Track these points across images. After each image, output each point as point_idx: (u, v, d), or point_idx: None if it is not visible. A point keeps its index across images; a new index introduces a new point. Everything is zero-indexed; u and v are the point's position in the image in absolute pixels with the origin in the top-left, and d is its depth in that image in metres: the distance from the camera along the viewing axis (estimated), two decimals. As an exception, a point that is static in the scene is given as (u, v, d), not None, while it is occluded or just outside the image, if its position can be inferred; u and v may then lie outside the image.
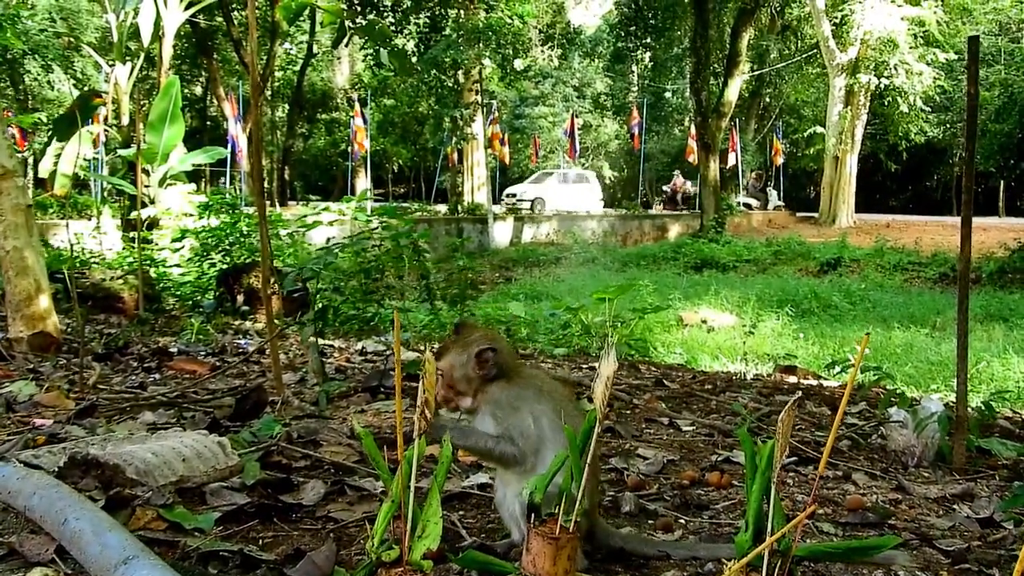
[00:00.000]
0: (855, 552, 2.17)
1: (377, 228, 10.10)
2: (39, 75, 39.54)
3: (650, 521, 3.10)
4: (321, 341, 6.47)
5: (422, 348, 8.22)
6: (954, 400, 4.41)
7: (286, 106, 48.79)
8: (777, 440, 1.99)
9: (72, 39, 38.05)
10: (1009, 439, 4.78)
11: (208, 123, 49.82)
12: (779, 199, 44.18)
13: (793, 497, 3.54)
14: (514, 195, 40.60)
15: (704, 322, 15.13)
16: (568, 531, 2.20)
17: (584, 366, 7.56)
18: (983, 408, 5.08)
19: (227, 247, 13.00)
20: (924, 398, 5.20)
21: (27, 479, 2.59)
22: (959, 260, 4.21)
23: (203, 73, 44.18)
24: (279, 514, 2.89)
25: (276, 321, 6.10)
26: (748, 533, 2.04)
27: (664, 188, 42.98)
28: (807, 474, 3.96)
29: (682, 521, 3.13)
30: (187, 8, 15.31)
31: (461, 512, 3.07)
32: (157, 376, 5.88)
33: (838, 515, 3.31)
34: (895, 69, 34.41)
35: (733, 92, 33.41)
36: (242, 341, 8.22)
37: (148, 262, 12.17)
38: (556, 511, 2.22)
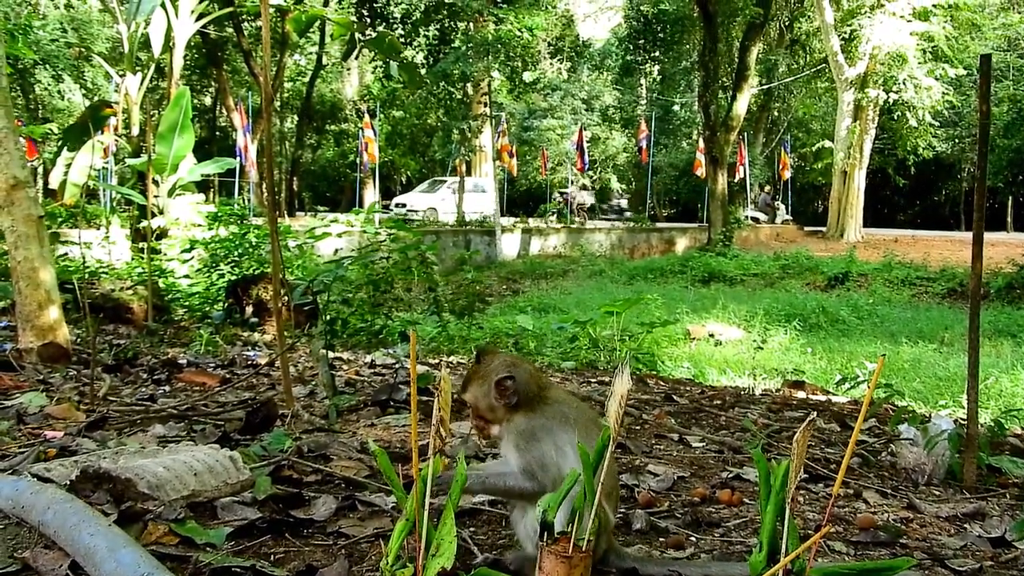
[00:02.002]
0: (870, 574, 2.17)
1: (385, 240, 10.14)
2: (50, 85, 39.70)
3: (661, 539, 3.09)
4: (330, 354, 6.48)
5: (435, 362, 8.24)
6: (964, 417, 4.40)
7: (295, 117, 48.92)
8: (792, 461, 1.99)
9: (83, 49, 38.20)
10: (1019, 457, 4.75)
11: (217, 134, 49.96)
12: (787, 213, 44.18)
13: (804, 515, 3.53)
14: (403, 205, 38.28)
15: (712, 336, 15.12)
16: (581, 549, 2.19)
17: (593, 380, 7.55)
18: (993, 426, 5.07)
19: (236, 258, 13.03)
20: (934, 415, 5.18)
21: (41, 493, 2.60)
22: (971, 277, 4.20)
23: (213, 84, 44.32)
24: (290, 529, 2.89)
25: (285, 334, 6.11)
26: (762, 553, 2.04)
27: (557, 198, 42.07)
28: (817, 492, 3.95)
29: (693, 539, 3.12)
30: (198, 19, 15.36)
31: (472, 529, 3.06)
32: (167, 388, 5.88)
33: (849, 533, 3.30)
34: (904, 84, 34.44)
35: (742, 106, 33.44)
36: (251, 353, 8.22)
37: (157, 273, 12.20)
38: (569, 529, 2.22)
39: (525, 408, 2.54)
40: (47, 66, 36.98)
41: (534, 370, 2.63)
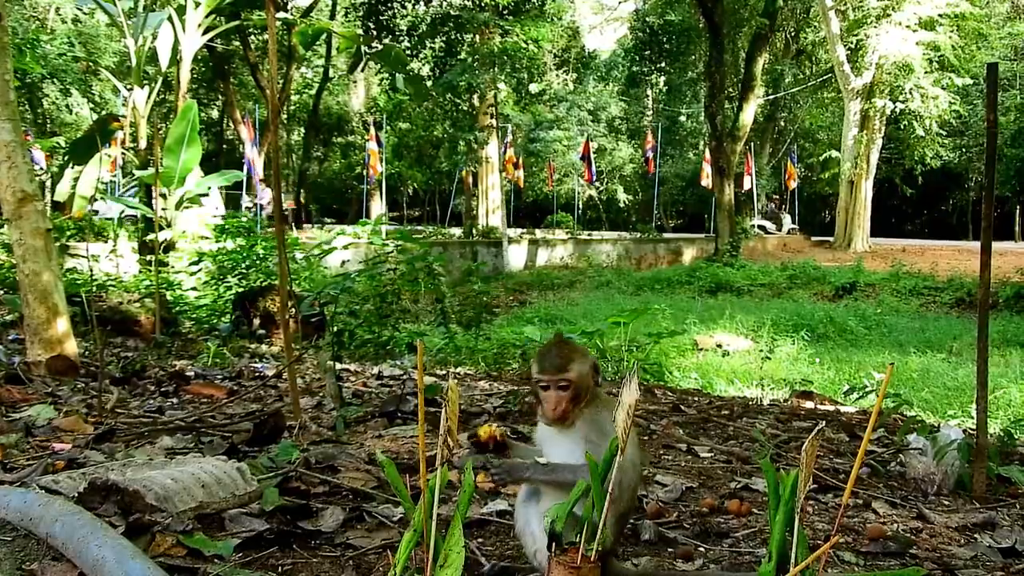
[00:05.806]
0: (879, 584, 2.16)
1: (392, 252, 10.13)
2: (57, 99, 39.83)
3: (670, 549, 3.08)
4: (338, 365, 6.48)
5: (442, 373, 8.23)
6: (973, 427, 4.38)
7: (302, 129, 49.02)
8: (801, 471, 1.98)
9: (90, 63, 38.33)
10: (1029, 467, 4.73)
11: (224, 146, 50.11)
12: (794, 223, 44.15)
13: (813, 525, 3.52)
14: (95, 213, 36.05)
15: (719, 346, 15.09)
16: (590, 560, 2.18)
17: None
18: (1003, 436, 5.05)
19: (243, 270, 13.03)
20: (943, 425, 5.16)
21: (49, 506, 2.60)
22: (979, 287, 4.19)
23: (220, 97, 44.44)
24: (298, 541, 2.89)
25: (293, 345, 6.11)
26: (772, 564, 2.03)
27: (247, 204, 40.44)
28: (826, 502, 3.94)
29: (702, 549, 3.11)
30: (205, 33, 15.38)
31: (480, 539, 3.06)
32: (174, 400, 5.89)
33: (859, 544, 3.29)
34: (910, 93, 34.40)
35: (748, 116, 33.37)
36: (259, 365, 8.23)
37: (165, 285, 12.20)
38: (577, 539, 2.21)
39: (595, 400, 2.47)
40: (55, 80, 37.12)
41: None
